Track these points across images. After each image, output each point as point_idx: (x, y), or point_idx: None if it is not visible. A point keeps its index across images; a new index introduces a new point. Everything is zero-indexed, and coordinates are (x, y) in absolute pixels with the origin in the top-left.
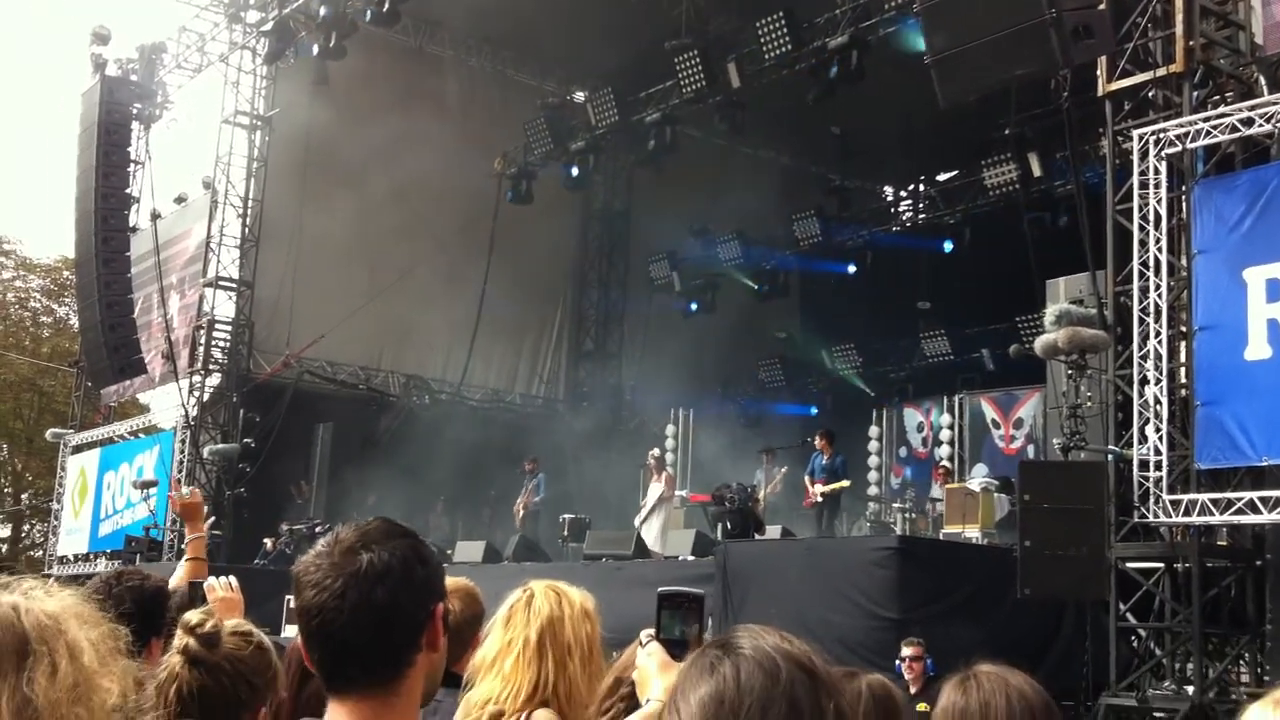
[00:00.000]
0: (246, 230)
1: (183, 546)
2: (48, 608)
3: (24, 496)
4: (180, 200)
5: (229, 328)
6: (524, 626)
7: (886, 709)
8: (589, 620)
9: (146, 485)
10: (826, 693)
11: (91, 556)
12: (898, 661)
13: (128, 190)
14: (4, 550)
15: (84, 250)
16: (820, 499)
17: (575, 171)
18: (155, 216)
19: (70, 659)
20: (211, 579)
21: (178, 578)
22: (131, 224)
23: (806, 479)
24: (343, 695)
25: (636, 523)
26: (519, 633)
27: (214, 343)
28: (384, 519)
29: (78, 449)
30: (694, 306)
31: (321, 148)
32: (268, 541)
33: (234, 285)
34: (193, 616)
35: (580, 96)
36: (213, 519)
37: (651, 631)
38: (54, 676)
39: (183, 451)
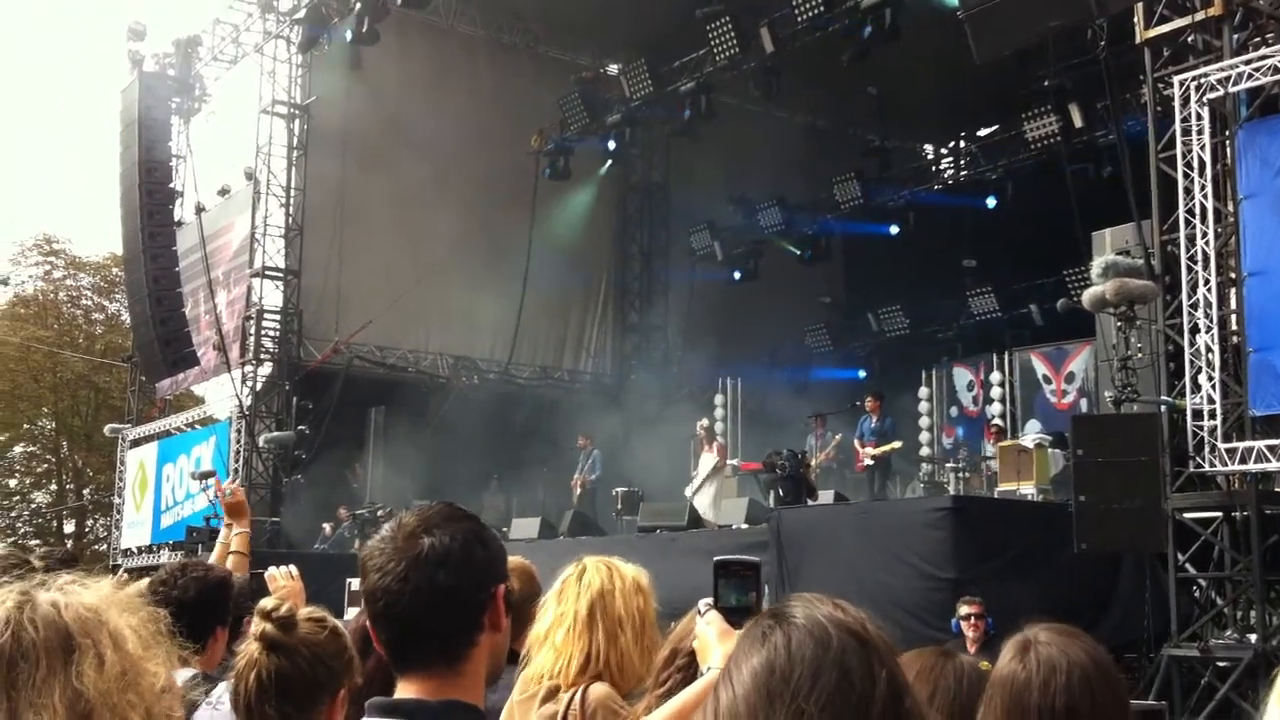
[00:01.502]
0: (290, 219)
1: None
2: (86, 600)
3: (85, 492)
4: (223, 192)
5: (278, 317)
6: (574, 600)
7: (978, 688)
8: (641, 594)
9: (205, 476)
10: (879, 660)
11: (155, 548)
12: (955, 621)
13: (171, 185)
14: (69, 546)
15: (131, 246)
16: (871, 462)
17: (612, 145)
18: (199, 210)
19: (115, 647)
20: (272, 569)
21: (215, 556)
22: (176, 218)
23: (856, 442)
24: (409, 675)
25: (688, 493)
26: (570, 606)
27: (264, 332)
28: (446, 503)
29: (136, 443)
30: (737, 275)
31: (359, 133)
32: (326, 526)
33: (281, 275)
34: (268, 603)
35: (614, 69)
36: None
37: (710, 601)
38: (101, 667)
39: (239, 441)
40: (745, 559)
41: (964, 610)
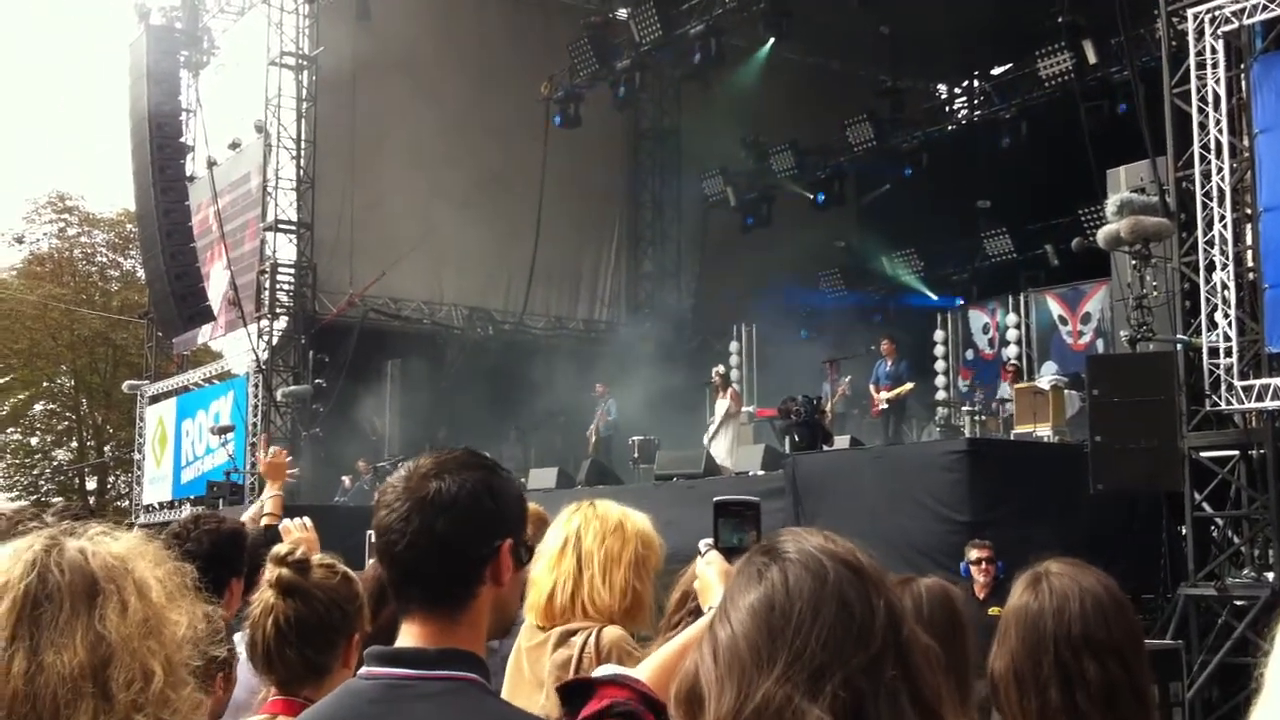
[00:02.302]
0: (301, 172)
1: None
2: (114, 549)
3: (106, 449)
4: (234, 146)
5: (292, 270)
6: (554, 537)
7: (947, 610)
8: (620, 535)
9: (224, 431)
10: (875, 589)
11: (176, 503)
12: (964, 564)
13: (181, 139)
14: (92, 503)
15: (144, 202)
16: (886, 406)
17: (622, 91)
18: (211, 164)
19: (139, 596)
20: (286, 521)
21: (250, 515)
22: (188, 173)
23: (871, 387)
24: (408, 616)
25: (705, 441)
26: (549, 544)
27: (278, 286)
28: (468, 450)
29: (155, 399)
30: (750, 220)
31: (368, 83)
32: (346, 479)
33: (293, 228)
34: (281, 548)
35: (623, 14)
36: (293, 459)
37: (710, 541)
38: (124, 613)
39: (256, 396)
40: (744, 498)
41: (973, 554)
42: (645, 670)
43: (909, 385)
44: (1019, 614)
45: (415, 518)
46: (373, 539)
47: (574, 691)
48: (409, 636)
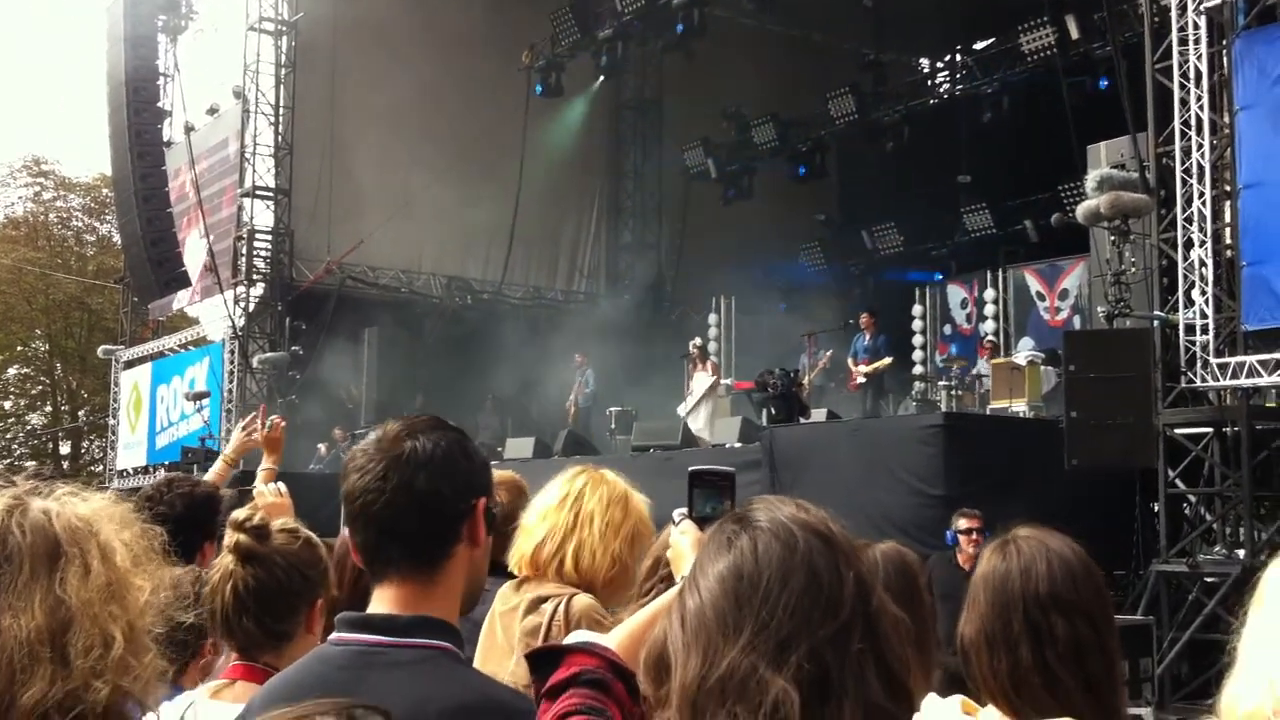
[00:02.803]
0: (280, 138)
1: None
2: (80, 511)
3: (81, 413)
4: (212, 111)
5: (269, 237)
6: (554, 492)
7: (904, 576)
8: (623, 507)
9: (199, 397)
10: (845, 560)
11: (151, 469)
12: (950, 532)
13: (159, 104)
14: (65, 467)
15: (120, 166)
16: (864, 380)
17: (604, 61)
18: (189, 129)
19: (102, 559)
20: (260, 485)
21: (213, 474)
22: (165, 138)
23: (849, 360)
24: (383, 580)
25: (681, 412)
26: (548, 497)
27: (255, 253)
28: (434, 415)
29: (129, 364)
30: (731, 193)
31: (348, 50)
32: (321, 447)
33: (271, 194)
34: (240, 513)
35: None
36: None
37: (684, 510)
38: (86, 577)
39: (232, 362)
40: (719, 468)
41: (962, 524)
42: (615, 638)
43: (887, 360)
44: (987, 578)
45: (393, 475)
46: (345, 504)
47: (542, 659)
48: (382, 602)
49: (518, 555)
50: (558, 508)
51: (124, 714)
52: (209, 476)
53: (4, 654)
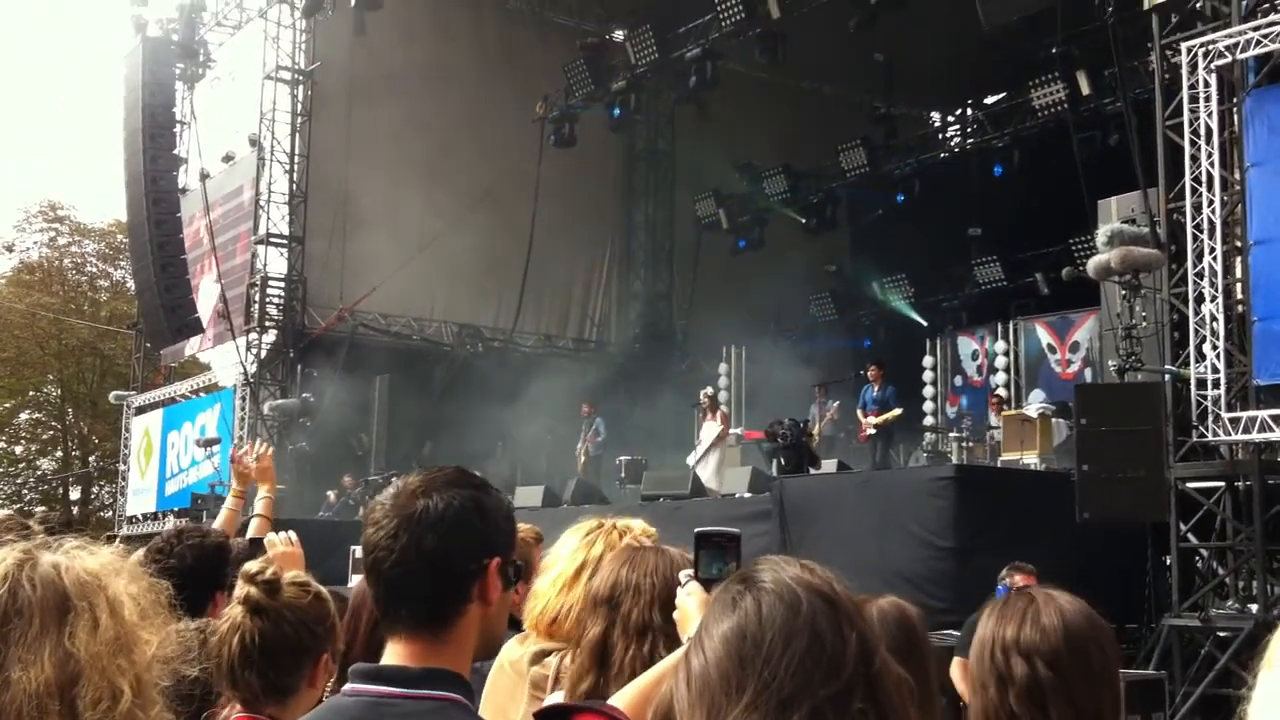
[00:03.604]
0: (294, 186)
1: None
2: (88, 565)
3: (91, 459)
4: (228, 159)
5: (282, 284)
6: (569, 557)
7: (904, 630)
8: None
9: (209, 443)
10: (849, 621)
11: (160, 515)
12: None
13: (175, 151)
14: (75, 512)
15: (135, 213)
16: (873, 431)
17: (617, 112)
18: (204, 176)
19: (111, 614)
20: (271, 534)
21: (253, 528)
22: (181, 185)
23: (859, 412)
24: (394, 634)
25: (691, 462)
26: (564, 563)
27: (268, 299)
28: (459, 468)
29: (141, 410)
30: (742, 243)
31: (364, 100)
32: (330, 494)
33: (285, 241)
34: (252, 566)
35: (619, 35)
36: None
37: (690, 572)
38: (95, 631)
39: (243, 409)
40: (725, 530)
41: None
42: (624, 698)
43: (897, 411)
44: (1003, 643)
45: (403, 534)
46: (359, 556)
47: (551, 716)
48: (394, 655)
49: (531, 618)
50: (574, 578)
51: None
52: (218, 522)
53: (14, 706)
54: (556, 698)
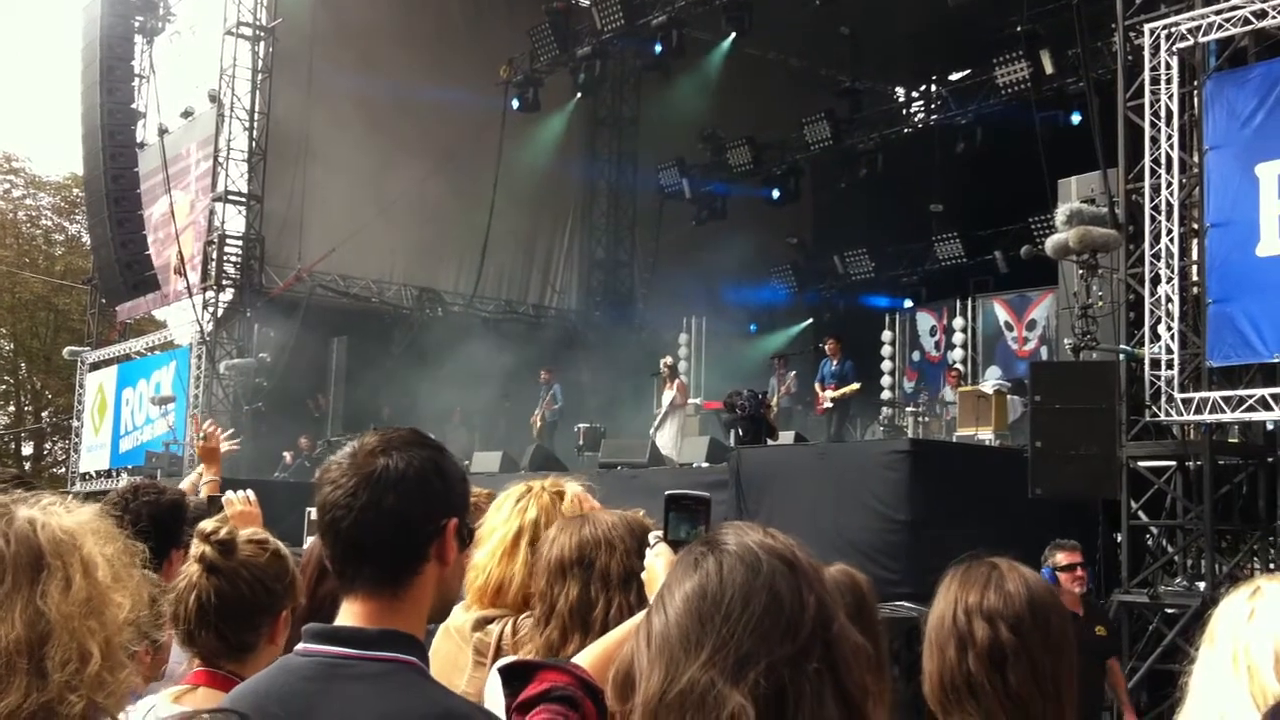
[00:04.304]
0: (254, 144)
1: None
2: (64, 523)
3: (44, 414)
4: (187, 114)
5: (240, 242)
6: (504, 522)
7: (855, 597)
8: None
9: (164, 401)
10: (808, 584)
11: (114, 473)
12: (1045, 570)
13: (133, 105)
14: (27, 468)
15: (92, 167)
16: (831, 404)
17: (582, 78)
18: (162, 131)
19: (84, 574)
20: (229, 493)
21: (189, 483)
22: (139, 139)
23: (816, 385)
24: (351, 593)
25: (650, 431)
26: (500, 528)
27: (225, 258)
28: (414, 429)
29: (95, 366)
30: (704, 213)
31: (326, 58)
32: (287, 455)
33: (243, 200)
34: (207, 525)
35: (586, 1)
36: (232, 430)
37: (660, 533)
38: (67, 591)
39: (199, 367)
40: (696, 493)
41: (1061, 559)
42: (586, 657)
43: (855, 385)
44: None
45: (363, 493)
46: (315, 516)
47: (514, 674)
48: (349, 615)
49: (473, 590)
50: (513, 545)
51: None
52: (184, 484)
53: None
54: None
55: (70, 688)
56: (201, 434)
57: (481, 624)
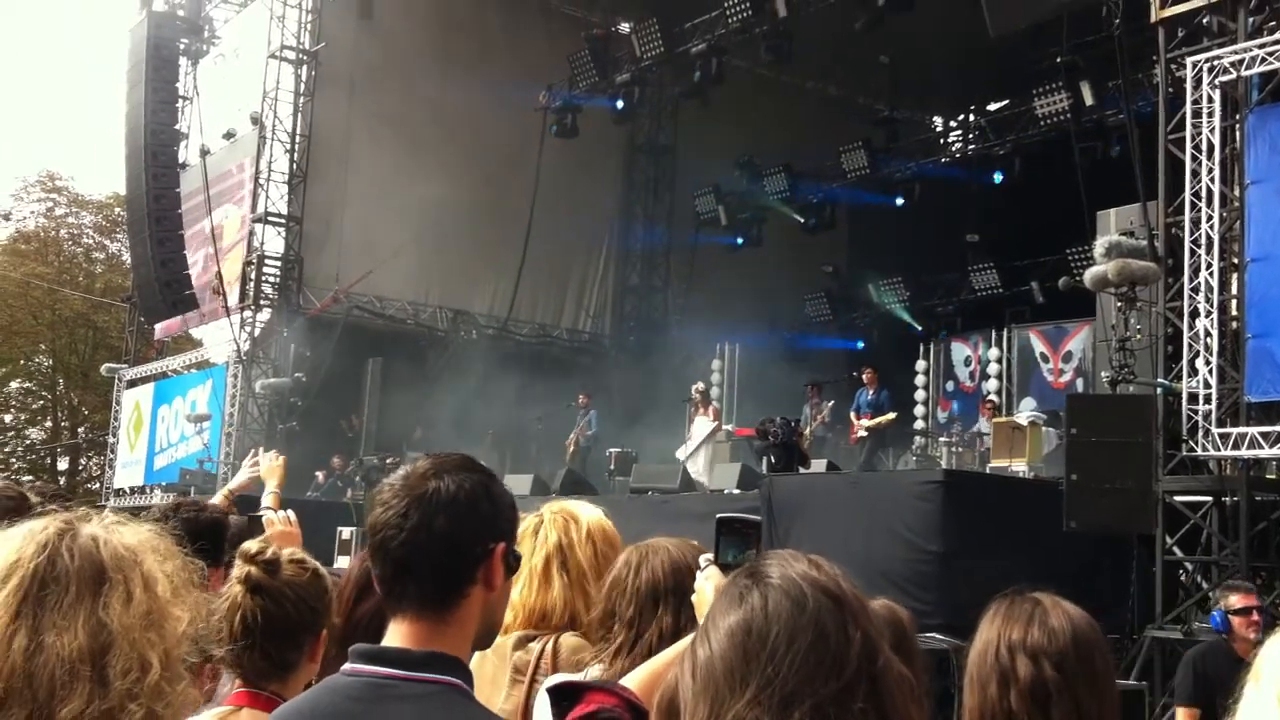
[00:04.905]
0: (294, 165)
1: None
2: (126, 540)
3: (80, 430)
4: (229, 136)
5: (278, 263)
6: (530, 555)
7: (895, 633)
8: (600, 540)
9: (200, 419)
10: (854, 620)
11: (147, 489)
12: (1216, 615)
13: (176, 126)
14: (62, 483)
15: (135, 186)
16: (865, 433)
17: (620, 104)
18: (204, 153)
19: (144, 588)
20: (270, 513)
21: (221, 496)
22: (181, 160)
23: (852, 414)
24: (398, 614)
25: (681, 456)
26: (525, 562)
27: (264, 278)
28: (465, 455)
29: (132, 383)
30: (740, 240)
31: (367, 82)
32: (319, 474)
33: (283, 221)
34: (251, 545)
35: (625, 27)
36: (275, 452)
37: (710, 556)
38: (128, 603)
39: (235, 386)
40: (747, 517)
41: (1236, 601)
42: (634, 679)
43: (891, 415)
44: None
45: (413, 514)
46: (345, 536)
47: (563, 694)
48: (396, 636)
49: (512, 622)
50: (544, 574)
51: None
52: (218, 498)
53: (46, 669)
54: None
55: (131, 696)
56: (266, 457)
57: (523, 642)
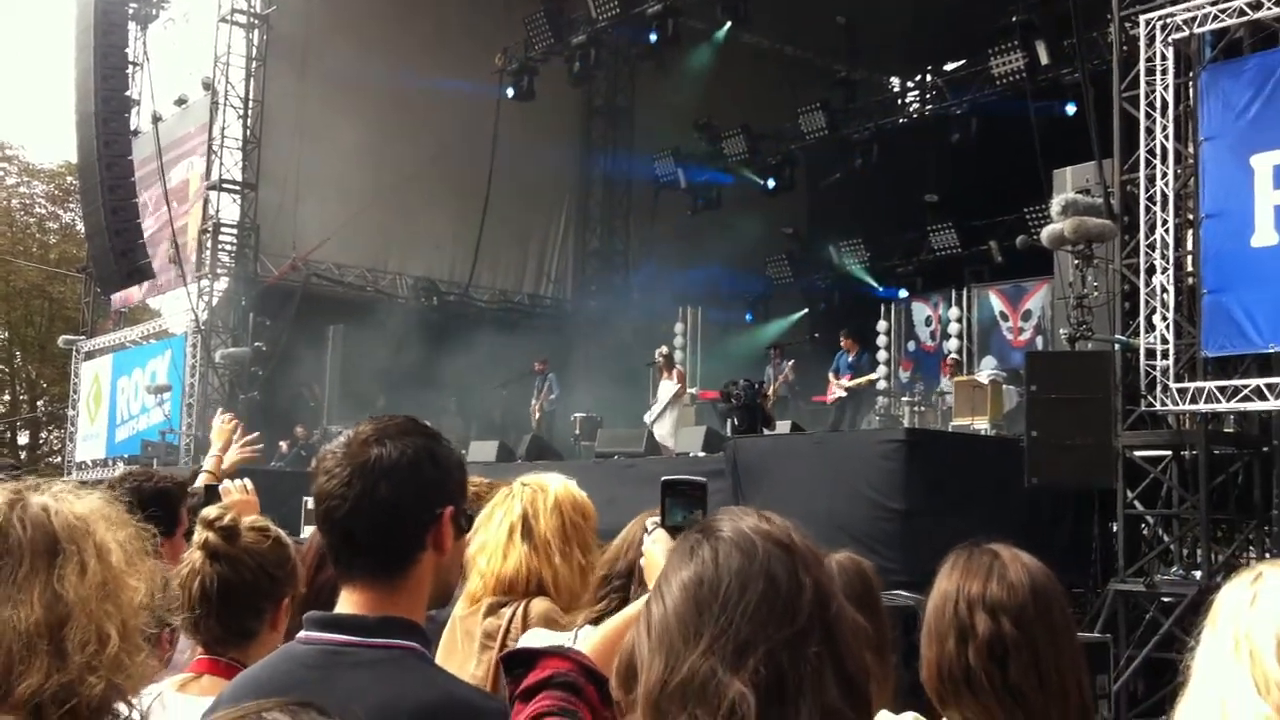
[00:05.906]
0: (248, 132)
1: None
2: (77, 509)
3: (40, 403)
4: (181, 102)
5: (234, 231)
6: (496, 525)
7: (861, 583)
8: (568, 510)
9: (160, 390)
10: (805, 567)
11: (110, 462)
12: None
13: (127, 93)
14: (23, 457)
15: (86, 154)
16: (844, 393)
17: (577, 67)
18: (156, 119)
19: (99, 558)
20: (226, 482)
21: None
22: (133, 127)
23: (831, 375)
24: (348, 582)
25: (647, 420)
26: (491, 532)
27: (220, 246)
28: (409, 417)
29: (90, 355)
30: (699, 202)
31: (321, 46)
32: (283, 444)
33: (238, 188)
34: (210, 511)
35: None
36: (256, 435)
37: (657, 519)
38: (83, 574)
39: (194, 356)
40: (692, 478)
41: None
42: (589, 643)
43: (873, 375)
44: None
45: (357, 482)
46: (311, 505)
47: (516, 661)
48: (349, 603)
49: (479, 588)
50: (508, 540)
51: (114, 709)
52: (208, 463)
53: (3, 643)
54: (538, 637)
55: (90, 668)
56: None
57: (494, 609)
